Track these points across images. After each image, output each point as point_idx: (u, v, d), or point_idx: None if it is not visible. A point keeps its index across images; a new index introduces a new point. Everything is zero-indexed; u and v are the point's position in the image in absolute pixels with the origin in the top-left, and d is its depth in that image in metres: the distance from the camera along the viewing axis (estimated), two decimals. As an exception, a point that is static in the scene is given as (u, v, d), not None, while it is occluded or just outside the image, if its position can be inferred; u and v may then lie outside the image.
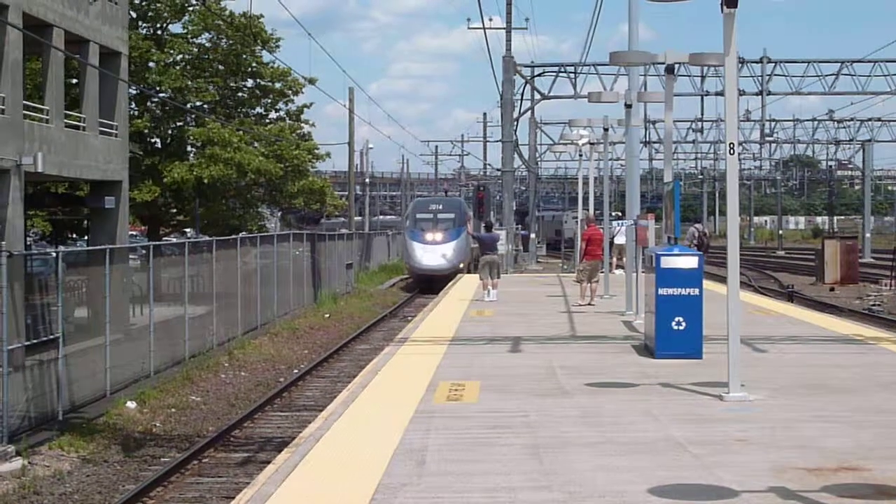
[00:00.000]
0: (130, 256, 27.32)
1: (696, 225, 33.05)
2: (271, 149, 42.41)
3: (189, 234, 48.35)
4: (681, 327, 14.03)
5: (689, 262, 14.16)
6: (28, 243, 34.05)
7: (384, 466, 8.31)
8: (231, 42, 42.37)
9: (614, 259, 32.05)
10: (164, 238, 42.93)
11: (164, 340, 23.73)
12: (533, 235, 60.29)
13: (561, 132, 47.66)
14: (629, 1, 23.67)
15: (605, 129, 24.96)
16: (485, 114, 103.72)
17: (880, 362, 14.40)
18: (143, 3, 40.80)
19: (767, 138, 75.21)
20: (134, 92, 38.47)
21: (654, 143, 75.71)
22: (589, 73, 52.07)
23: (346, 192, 63.37)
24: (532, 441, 9.30)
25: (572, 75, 51.59)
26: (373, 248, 63.15)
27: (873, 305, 37.39)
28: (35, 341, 18.93)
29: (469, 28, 72.35)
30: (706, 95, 55.98)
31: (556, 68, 52.33)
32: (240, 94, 44.39)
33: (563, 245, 69.06)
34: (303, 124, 46.41)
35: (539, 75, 52.81)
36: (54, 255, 20.28)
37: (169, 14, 41.42)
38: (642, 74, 46.98)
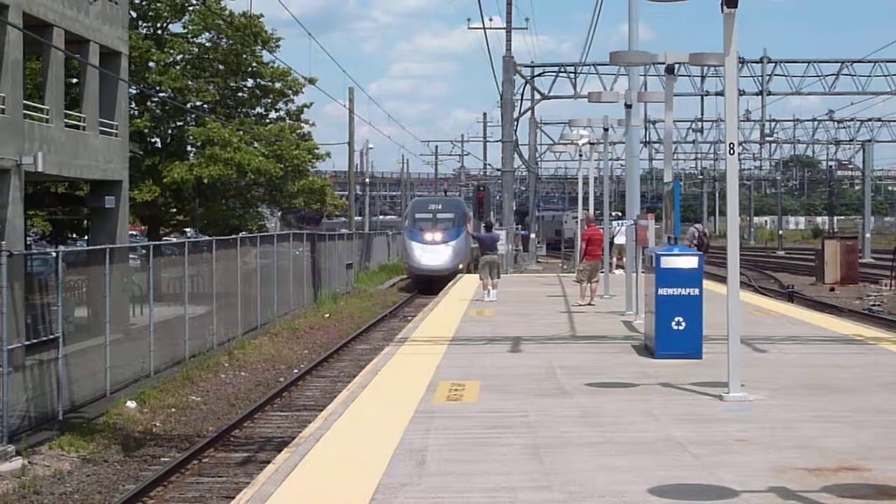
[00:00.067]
0: (130, 256, 27.31)
1: (696, 225, 33.05)
2: (271, 149, 42.40)
3: (189, 234, 48.34)
4: (681, 327, 14.04)
5: (689, 262, 14.16)
6: (28, 243, 34.04)
7: (384, 466, 8.31)
8: (231, 42, 42.37)
9: (614, 259, 32.05)
10: (164, 238, 42.92)
11: (164, 340, 23.73)
12: (533, 235, 60.28)
13: (561, 132, 47.68)
14: (629, 1, 23.67)
15: (605, 129, 24.96)
16: (485, 114, 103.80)
17: (880, 362, 14.40)
18: (144, 3, 40.80)
19: (767, 138, 75.23)
20: (134, 92, 38.46)
21: (654, 143, 75.72)
22: (589, 73, 52.10)
23: (347, 192, 63.38)
24: (532, 441, 9.30)
25: (572, 75, 51.59)
26: (373, 248, 63.16)
27: (873, 305, 37.40)
28: (35, 341, 18.93)
29: (469, 28, 72.36)
30: (706, 95, 55.99)
31: (556, 68, 52.33)
32: (240, 93, 44.39)
33: (563, 245, 69.08)
34: (303, 124, 46.42)
35: (539, 75, 52.81)
36: (54, 254, 20.28)
37: (169, 14, 41.43)
38: (642, 74, 47.00)
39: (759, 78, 52.95)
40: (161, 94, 39.82)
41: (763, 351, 15.38)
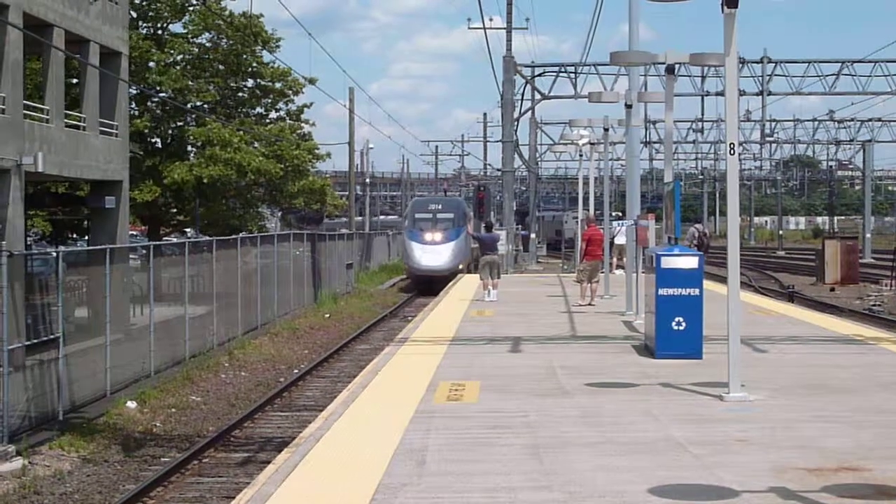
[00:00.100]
0: (131, 256, 27.31)
1: (697, 225, 33.05)
2: (271, 149, 42.40)
3: (189, 234, 48.34)
4: (681, 327, 14.04)
5: (690, 262, 14.16)
6: (28, 243, 34.04)
7: (384, 466, 8.32)
8: (231, 42, 42.37)
9: (614, 259, 32.05)
10: (165, 238, 42.92)
11: (164, 340, 23.73)
12: (533, 235, 60.25)
13: (561, 132, 47.61)
14: (629, 1, 23.69)
15: (606, 130, 24.96)
16: (485, 114, 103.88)
17: (880, 362, 14.40)
18: (144, 3, 40.79)
19: (768, 138, 75.27)
20: (134, 92, 38.47)
21: (655, 143, 75.74)
22: (589, 73, 52.12)
23: (347, 193, 63.37)
24: (532, 441, 9.30)
25: (573, 75, 51.60)
26: (373, 248, 63.16)
27: (873, 306, 37.40)
28: (35, 341, 18.93)
29: (469, 28, 72.35)
30: (706, 95, 56.02)
31: (556, 68, 52.34)
32: (240, 94, 44.38)
33: (564, 245, 69.04)
34: (303, 124, 46.40)
35: (539, 75, 52.82)
36: (54, 254, 20.28)
37: (169, 14, 41.42)
38: (643, 74, 47.01)
39: (760, 78, 52.98)
40: (161, 95, 39.83)
41: (763, 351, 15.38)
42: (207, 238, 33.07)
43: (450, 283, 34.80)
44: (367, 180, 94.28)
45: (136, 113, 39.66)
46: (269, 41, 43.16)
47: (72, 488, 14.80)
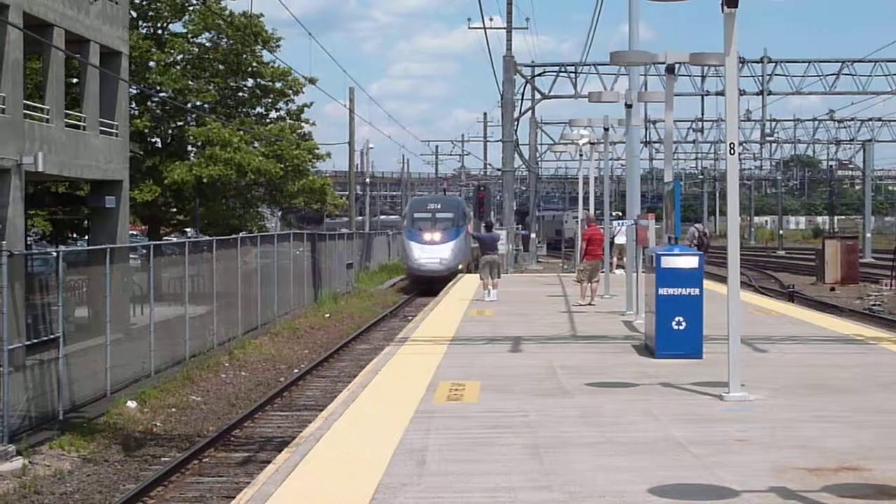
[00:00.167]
0: (131, 256, 27.31)
1: (697, 225, 33.06)
2: (271, 148, 42.40)
3: (189, 234, 48.34)
4: (681, 327, 14.04)
5: (690, 261, 14.17)
6: (28, 243, 34.04)
7: (384, 466, 8.32)
8: (231, 42, 42.37)
9: (615, 259, 32.05)
10: (165, 238, 42.93)
11: (164, 340, 23.73)
12: (533, 235, 60.26)
13: (561, 132, 47.61)
14: (629, 1, 23.69)
15: (606, 129, 24.96)
16: (485, 114, 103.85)
17: (881, 362, 14.40)
18: (144, 3, 40.79)
19: (768, 138, 75.26)
20: (134, 92, 38.47)
21: (655, 142, 75.75)
22: (589, 72, 52.11)
23: (347, 192, 63.35)
24: (532, 441, 9.30)
25: (573, 75, 51.61)
26: (373, 248, 63.15)
27: (874, 305, 37.40)
28: (35, 341, 18.92)
29: (469, 28, 72.38)
30: (707, 95, 56.00)
31: (556, 68, 52.35)
32: (240, 93, 44.37)
33: (564, 245, 69.06)
34: (303, 124, 46.39)
35: (539, 75, 52.83)
36: (55, 254, 20.28)
37: (169, 13, 41.43)
38: (643, 74, 46.98)
39: (760, 78, 52.98)
40: (161, 94, 39.83)
41: (763, 351, 15.38)
42: (207, 238, 33.06)
43: (450, 283, 34.80)
44: (368, 180, 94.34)
45: (137, 113, 39.66)
46: (269, 41, 43.16)
47: (72, 488, 14.80)
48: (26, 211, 27.10)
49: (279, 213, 68.39)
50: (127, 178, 31.91)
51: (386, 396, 11.76)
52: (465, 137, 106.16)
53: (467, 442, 9.30)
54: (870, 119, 73.89)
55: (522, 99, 50.97)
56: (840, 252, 48.88)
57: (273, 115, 45.69)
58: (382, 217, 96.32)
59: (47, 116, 27.10)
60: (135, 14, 39.55)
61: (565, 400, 11.44)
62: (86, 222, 35.23)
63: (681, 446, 9.05)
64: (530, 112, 56.67)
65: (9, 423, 16.13)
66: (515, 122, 48.70)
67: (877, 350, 15.73)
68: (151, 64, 40.52)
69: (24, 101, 25.98)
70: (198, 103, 41.44)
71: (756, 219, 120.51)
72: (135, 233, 54.21)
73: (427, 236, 47.05)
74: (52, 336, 18.99)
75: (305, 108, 46.36)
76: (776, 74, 53.07)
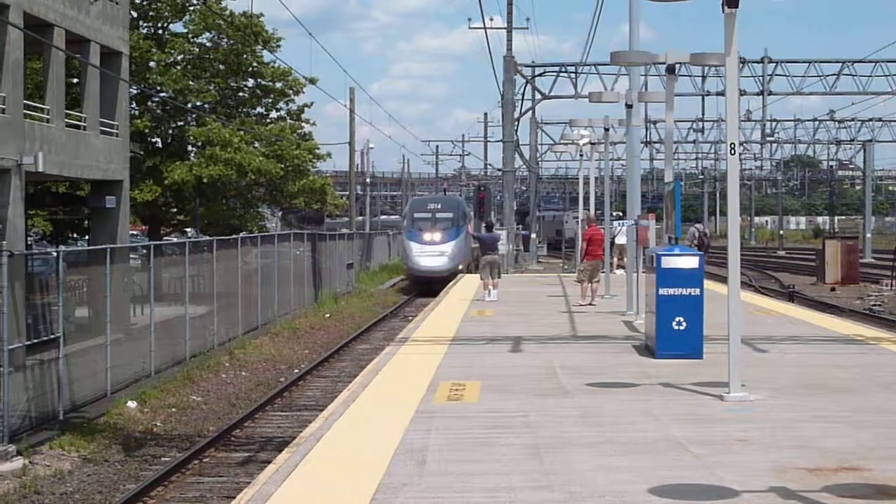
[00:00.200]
0: (131, 256, 27.31)
1: (697, 225, 33.06)
2: (272, 149, 42.40)
3: (190, 234, 48.34)
4: (681, 327, 14.04)
5: (690, 262, 14.17)
6: (29, 243, 34.05)
7: (385, 466, 8.32)
8: (232, 42, 42.37)
9: (615, 259, 32.06)
10: (165, 238, 42.93)
11: (164, 340, 23.73)
12: (534, 235, 60.25)
13: (562, 132, 47.54)
14: (630, 1, 23.69)
15: (606, 129, 24.97)
16: (486, 114, 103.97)
17: (881, 362, 14.40)
18: (144, 3, 40.79)
19: (768, 138, 75.26)
20: (134, 92, 38.48)
21: (655, 143, 75.76)
22: (590, 73, 52.11)
23: (347, 192, 63.35)
24: (532, 441, 9.31)
25: (573, 75, 51.61)
26: (374, 248, 63.14)
27: (874, 305, 37.40)
28: (36, 341, 18.92)
29: (470, 28, 72.34)
30: (707, 95, 56.01)
31: (556, 68, 52.34)
32: (240, 93, 44.36)
33: (564, 245, 69.06)
34: (303, 124, 46.38)
35: (540, 75, 52.83)
36: (55, 254, 20.28)
37: (170, 13, 41.43)
38: (643, 74, 47.00)
39: (760, 78, 52.98)
40: (162, 95, 39.84)
41: (764, 351, 15.39)
42: (208, 238, 33.06)
43: (450, 283, 34.80)
44: (368, 180, 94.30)
45: (137, 113, 39.66)
46: (269, 41, 43.16)
47: (72, 488, 14.80)
48: (26, 211, 27.10)
49: (279, 214, 68.38)
50: (127, 178, 31.92)
51: (386, 396, 11.76)
52: (465, 137, 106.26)
53: (467, 442, 9.30)
54: (870, 119, 73.90)
55: (523, 99, 51.03)
56: (840, 252, 48.88)
57: (273, 115, 45.71)
58: (383, 217, 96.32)
59: (48, 116, 27.10)
60: (135, 14, 39.56)
61: (565, 400, 11.44)
62: (86, 222, 35.24)
63: (681, 446, 9.05)
64: (531, 112, 56.70)
65: (9, 423, 16.13)
66: (516, 123, 48.70)
67: (877, 350, 15.74)
68: (152, 64, 40.52)
69: (25, 101, 25.98)
70: (198, 103, 41.43)
71: (756, 219, 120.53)
72: (135, 233, 54.21)
73: (427, 236, 46.76)
74: (52, 336, 18.99)
75: (306, 108, 46.41)
76: (777, 75, 53.08)
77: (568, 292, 27.54)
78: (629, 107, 21.66)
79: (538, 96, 53.94)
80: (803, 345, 16.59)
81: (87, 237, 35.47)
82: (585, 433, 9.69)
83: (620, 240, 30.23)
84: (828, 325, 19.90)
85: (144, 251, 25.75)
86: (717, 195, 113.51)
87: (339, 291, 43.45)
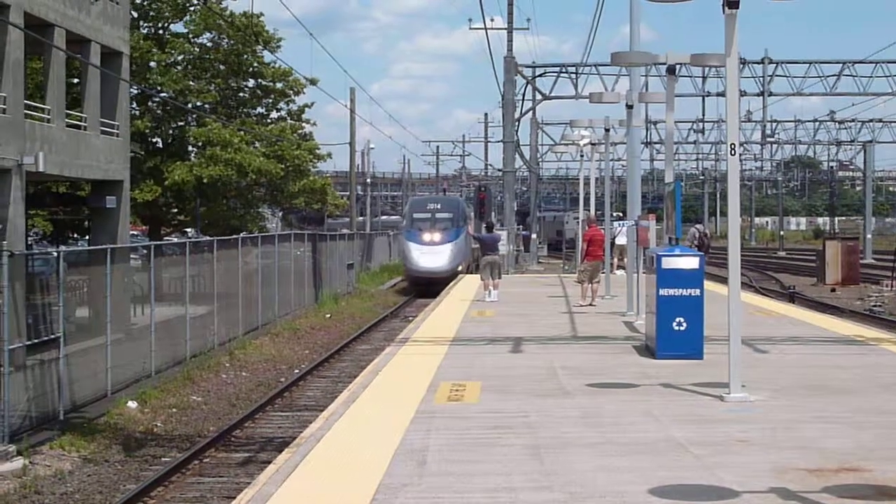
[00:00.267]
0: (131, 256, 27.31)
1: (697, 225, 33.12)
2: (272, 149, 42.41)
3: (190, 234, 48.34)
4: (682, 328, 14.04)
5: (690, 262, 14.17)
6: (29, 243, 34.05)
7: (385, 467, 8.32)
8: (232, 42, 42.38)
9: (615, 260, 32.07)
10: (165, 238, 42.94)
11: (165, 340, 23.74)
12: (534, 236, 60.23)
13: (562, 132, 47.57)
14: (630, 2, 23.71)
15: (607, 130, 24.98)
16: (486, 114, 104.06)
17: (881, 363, 14.40)
18: (145, 3, 40.81)
19: (769, 139, 75.32)
20: (135, 92, 38.49)
21: (656, 143, 75.81)
22: (590, 73, 52.14)
23: (348, 193, 63.36)
24: (533, 441, 9.31)
25: (574, 76, 51.63)
26: (374, 249, 63.12)
27: (874, 306, 37.40)
28: (36, 341, 18.92)
29: (471, 28, 72.22)
30: (707, 96, 56.04)
31: (557, 69, 52.35)
32: (241, 94, 44.38)
33: (565, 246, 69.04)
34: (304, 124, 46.40)
35: (540, 76, 52.84)
36: (55, 254, 20.29)
37: (170, 14, 41.44)
38: (643, 75, 47.01)
39: (761, 78, 53.00)
40: (162, 95, 39.85)
41: (764, 352, 15.39)
42: (208, 238, 33.06)
43: (450, 284, 34.80)
44: (368, 180, 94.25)
45: (137, 113, 39.68)
46: (270, 41, 43.18)
47: (72, 488, 14.81)
48: (27, 211, 27.11)
49: (280, 214, 68.41)
50: (128, 178, 31.93)
51: (387, 397, 11.76)
52: (465, 138, 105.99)
53: (468, 442, 9.30)
54: (870, 120, 73.94)
55: (523, 99, 51.04)
56: (841, 253, 48.88)
57: (274, 115, 45.74)
58: (384, 217, 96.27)
59: (48, 116, 27.11)
60: (136, 14, 39.58)
61: (566, 400, 11.44)
62: (86, 222, 35.25)
63: (681, 447, 9.05)
64: (531, 112, 56.73)
65: (9, 423, 16.13)
66: (516, 123, 48.70)
67: (877, 351, 15.73)
68: (152, 64, 40.55)
69: (25, 101, 25.99)
70: (198, 104, 41.45)
71: (757, 220, 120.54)
72: (135, 233, 54.21)
73: (427, 237, 46.34)
74: (52, 336, 18.99)
75: (306, 109, 46.44)
76: (777, 75, 53.10)
77: (568, 293, 27.54)
78: (630, 107, 21.67)
79: (539, 97, 53.98)
80: (804, 345, 16.58)
81: (87, 237, 35.47)
82: (586, 434, 9.69)
83: (621, 240, 30.23)
84: (828, 325, 19.90)
85: (145, 251, 25.76)
86: (718, 196, 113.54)
87: (340, 292, 43.44)
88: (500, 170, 61.00)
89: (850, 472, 8.07)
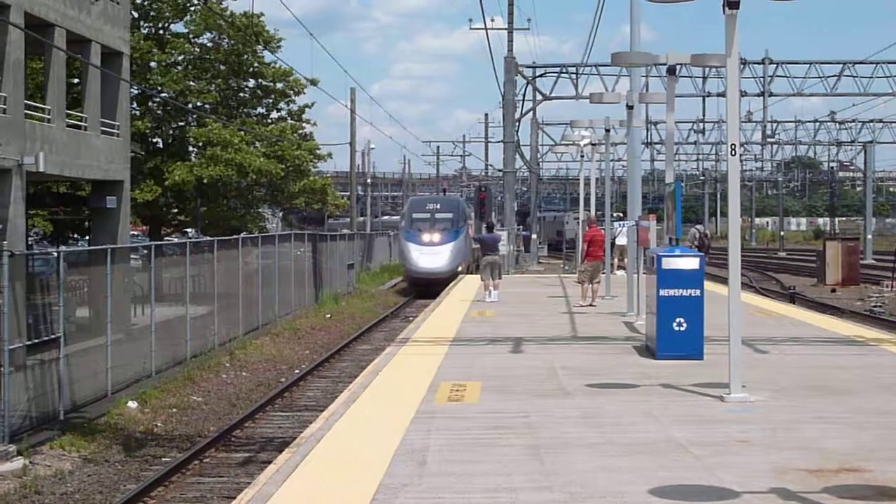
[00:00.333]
0: (132, 256, 27.31)
1: (697, 226, 33.16)
2: (272, 149, 42.42)
3: (190, 235, 48.34)
4: (682, 328, 14.04)
5: (691, 263, 14.17)
6: (29, 243, 34.05)
7: (385, 467, 8.32)
8: (233, 42, 42.39)
9: (616, 260, 32.06)
10: (166, 238, 42.94)
11: (165, 340, 23.73)
12: (534, 236, 60.24)
13: (562, 133, 47.57)
14: (631, 2, 23.71)
15: (607, 130, 24.98)
16: (486, 114, 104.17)
17: (881, 364, 14.40)
18: (145, 3, 40.82)
19: (769, 139, 75.33)
20: (135, 92, 38.49)
21: (656, 144, 75.80)
22: (591, 73, 52.09)
23: (348, 193, 63.36)
24: (533, 442, 9.31)
25: (574, 76, 51.61)
26: (374, 249, 63.10)
27: (874, 307, 37.40)
28: (36, 341, 18.91)
29: (471, 28, 72.08)
30: (708, 96, 56.02)
31: (557, 69, 52.34)
32: (241, 94, 44.38)
33: (565, 246, 69.05)
34: (304, 124, 46.39)
35: (541, 76, 52.84)
36: (56, 254, 20.28)
37: (171, 14, 41.44)
38: (644, 75, 47.01)
39: (761, 79, 53.00)
40: (162, 95, 39.86)
41: (764, 352, 15.39)
42: (208, 238, 33.06)
43: (450, 284, 34.80)
44: (369, 181, 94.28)
45: (138, 113, 39.69)
46: (270, 41, 43.18)
47: (73, 488, 14.80)
48: (27, 211, 27.11)
49: (280, 214, 68.43)
50: (128, 178, 31.93)
51: (387, 397, 11.77)
52: (466, 138, 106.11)
53: (468, 442, 9.30)
54: (871, 121, 73.92)
55: (524, 100, 51.05)
56: (841, 253, 48.87)
57: (274, 115, 45.73)
58: (384, 218, 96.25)
59: (48, 116, 27.11)
60: (136, 14, 39.59)
61: (566, 401, 11.44)
62: (87, 222, 35.24)
63: (681, 447, 9.06)
64: (531, 113, 56.76)
65: (9, 423, 16.13)
66: (517, 123, 48.70)
67: (877, 351, 15.73)
68: (153, 64, 40.56)
69: (26, 102, 25.99)
70: (199, 104, 41.45)
71: (757, 220, 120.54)
72: (136, 233, 54.23)
73: (426, 237, 45.95)
74: (52, 336, 18.99)
75: (307, 109, 46.43)
76: (777, 76, 53.10)
77: (568, 293, 27.55)
78: (630, 108, 21.68)
79: (539, 97, 53.99)
80: (804, 346, 16.58)
81: (87, 237, 35.47)
82: (586, 434, 9.69)
83: (621, 241, 30.22)
84: (828, 326, 19.90)
85: (145, 251, 25.75)
86: (718, 196, 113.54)
87: (340, 292, 43.42)
88: (500, 170, 61.01)
89: (851, 473, 8.07)
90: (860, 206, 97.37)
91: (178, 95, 40.32)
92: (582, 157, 34.08)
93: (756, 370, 13.00)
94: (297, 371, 24.97)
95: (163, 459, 16.44)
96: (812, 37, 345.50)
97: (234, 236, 32.39)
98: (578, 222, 34.60)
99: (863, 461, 8.43)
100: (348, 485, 7.84)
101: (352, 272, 49.09)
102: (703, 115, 67.57)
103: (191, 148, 42.75)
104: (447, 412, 10.74)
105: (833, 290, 45.14)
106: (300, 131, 45.73)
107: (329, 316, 36.33)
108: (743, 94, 51.59)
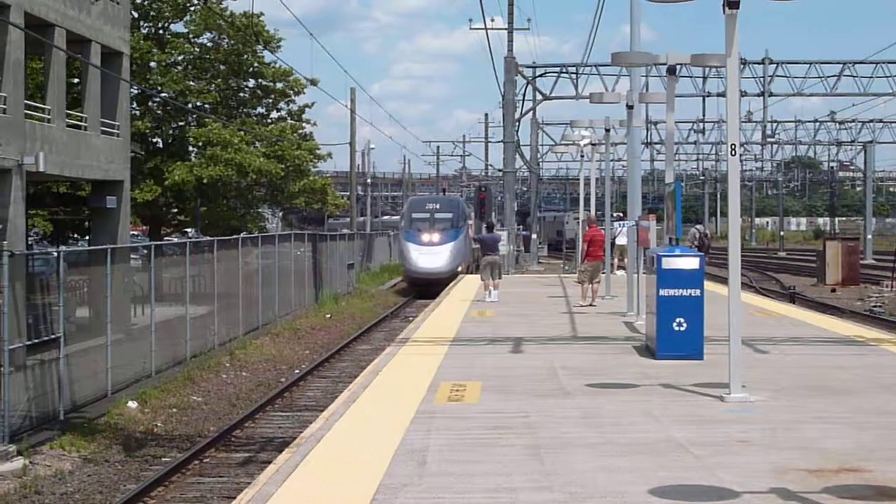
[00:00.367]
0: (132, 256, 27.31)
1: (697, 226, 33.15)
2: (272, 149, 42.41)
3: (190, 234, 48.32)
4: (682, 328, 14.04)
5: (691, 262, 14.17)
6: (29, 243, 34.05)
7: (385, 467, 8.32)
8: (232, 42, 42.39)
9: (616, 260, 32.06)
10: (166, 238, 42.94)
11: (165, 340, 23.73)
12: (534, 236, 60.24)
13: (562, 133, 47.54)
14: (630, 2, 23.71)
15: (607, 130, 24.98)
16: (486, 114, 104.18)
17: (881, 364, 14.40)
18: (145, 3, 40.82)
19: (769, 139, 75.34)
20: (135, 92, 38.49)
21: (656, 144, 75.81)
22: (591, 73, 52.12)
23: (348, 193, 63.35)
24: (533, 442, 9.31)
25: (574, 76, 51.62)
26: (374, 249, 63.09)
27: (874, 307, 37.40)
28: (36, 341, 18.91)
29: (471, 28, 72.05)
30: (708, 96, 56.04)
31: (557, 69, 52.35)
32: (241, 94, 44.38)
33: (565, 246, 69.05)
34: (304, 124, 46.40)
35: (541, 76, 52.85)
36: (56, 254, 20.28)
37: (170, 14, 41.44)
38: (644, 75, 47.01)
39: (761, 79, 53.01)
40: (162, 95, 39.85)
41: (764, 352, 15.38)
42: (208, 238, 33.05)
43: (450, 284, 34.80)
44: (369, 181, 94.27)
45: (138, 113, 39.68)
46: (270, 41, 43.17)
47: (73, 488, 14.80)
48: (27, 211, 27.11)
49: (280, 214, 68.41)
50: (128, 178, 31.93)
51: (387, 397, 11.77)
52: (466, 138, 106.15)
53: (468, 442, 9.30)
54: (871, 120, 73.93)
55: (524, 100, 51.07)
56: (841, 253, 48.88)
57: (274, 115, 45.73)
58: (384, 218, 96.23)
59: (48, 116, 27.11)
60: (136, 14, 39.58)
61: (566, 401, 11.44)
62: (87, 222, 35.24)
63: (681, 447, 9.05)
64: (531, 113, 56.77)
65: (9, 423, 16.13)
66: (517, 123, 48.71)
67: (878, 351, 15.73)
68: (152, 64, 40.56)
69: (26, 102, 25.99)
70: (199, 104, 41.45)
71: (757, 220, 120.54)
72: (136, 233, 54.22)
73: (426, 237, 45.80)
74: (52, 336, 18.99)
75: (307, 109, 46.43)
76: (777, 76, 53.11)
77: (568, 293, 27.55)
78: (630, 108, 21.68)
79: (539, 97, 53.99)
80: (804, 346, 16.58)
81: (87, 237, 35.47)
82: (586, 434, 9.69)
83: (621, 241, 30.21)
84: (828, 326, 19.90)
85: (145, 251, 25.75)
86: (718, 196, 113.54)
87: (340, 292, 43.41)
88: (500, 170, 61.00)
89: (851, 473, 8.07)
90: (860, 206, 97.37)
91: (178, 95, 40.32)
92: (582, 157, 34.07)
93: (756, 370, 13.00)
94: (297, 371, 24.97)
95: (163, 459, 16.44)
96: (812, 37, 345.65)
97: (234, 236, 32.38)
98: (578, 222, 34.59)
99: (863, 461, 8.43)
100: (348, 485, 7.84)
101: (352, 272, 49.07)
102: (703, 115, 67.69)
103: (191, 148, 42.75)
104: (447, 412, 10.74)
105: (833, 290, 45.14)
106: (300, 131, 45.73)
107: (329, 316, 36.33)
108: (743, 94, 51.60)
